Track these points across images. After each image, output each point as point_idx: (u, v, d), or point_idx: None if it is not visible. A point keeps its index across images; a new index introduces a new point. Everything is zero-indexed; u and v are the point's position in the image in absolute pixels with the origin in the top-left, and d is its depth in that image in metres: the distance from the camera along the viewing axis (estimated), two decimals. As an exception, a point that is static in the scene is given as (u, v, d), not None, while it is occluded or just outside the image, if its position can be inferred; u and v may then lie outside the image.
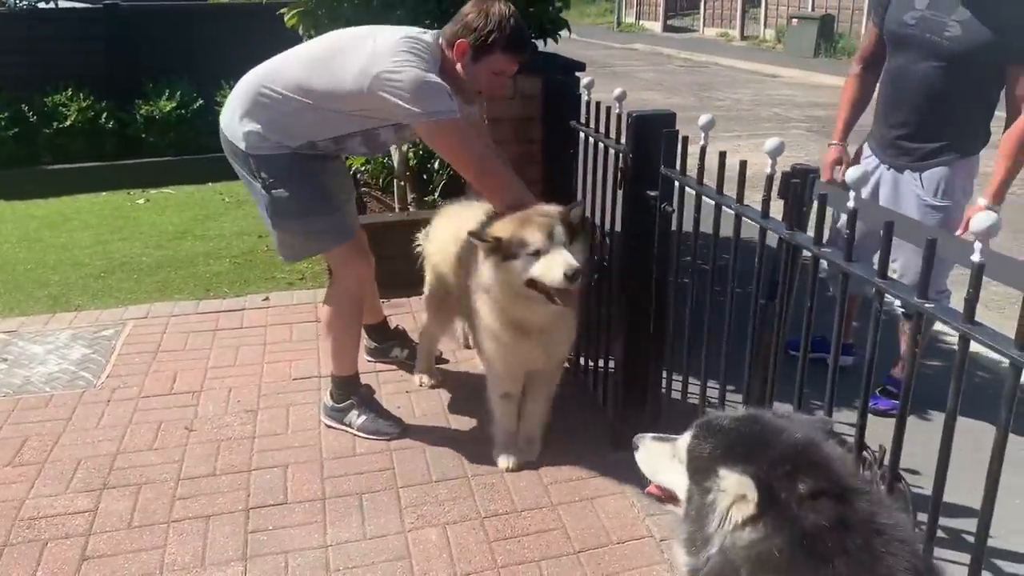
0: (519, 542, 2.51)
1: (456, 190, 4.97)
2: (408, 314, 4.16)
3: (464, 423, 3.17)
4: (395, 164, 4.70)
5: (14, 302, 4.44)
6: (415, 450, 2.98)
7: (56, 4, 7.80)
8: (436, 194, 5.02)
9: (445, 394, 3.38)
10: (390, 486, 2.78)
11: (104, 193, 6.64)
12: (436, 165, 5.08)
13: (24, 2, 7.50)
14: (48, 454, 2.97)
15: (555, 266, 2.47)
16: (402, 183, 4.67)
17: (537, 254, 2.50)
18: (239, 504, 2.69)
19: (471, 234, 2.65)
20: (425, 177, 5.15)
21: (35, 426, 3.15)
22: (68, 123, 6.85)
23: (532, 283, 2.53)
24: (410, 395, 3.37)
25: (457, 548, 2.48)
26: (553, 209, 2.62)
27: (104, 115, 6.99)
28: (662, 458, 1.56)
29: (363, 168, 5.37)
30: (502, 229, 2.58)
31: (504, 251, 2.54)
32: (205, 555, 2.46)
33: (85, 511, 2.65)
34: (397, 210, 4.80)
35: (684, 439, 1.50)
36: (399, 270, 4.35)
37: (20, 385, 3.46)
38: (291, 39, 4.37)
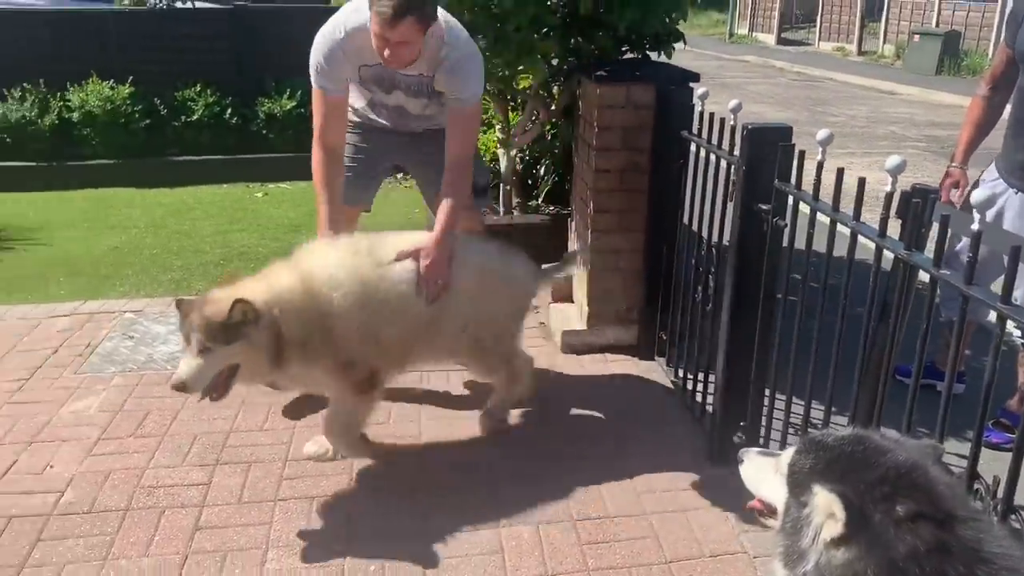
0: (610, 547, 2.53)
1: (560, 196, 5.03)
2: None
3: (559, 427, 3.20)
4: (502, 169, 4.78)
5: (141, 284, 4.72)
6: (512, 448, 3.04)
7: (193, 5, 8.21)
8: (539, 199, 5.08)
9: (541, 398, 3.42)
10: (486, 482, 2.84)
11: (225, 185, 6.98)
12: (542, 171, 5.15)
13: (163, 2, 7.93)
14: (167, 428, 3.15)
15: (180, 370, 2.44)
16: (508, 187, 4.74)
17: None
18: (342, 488, 2.79)
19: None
20: (530, 182, 5.22)
21: (156, 401, 3.34)
22: (195, 118, 7.21)
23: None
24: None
25: (549, 547, 2.52)
26: (219, 301, 2.45)
27: (228, 111, 7.33)
28: (765, 472, 1.57)
29: (471, 171, 5.47)
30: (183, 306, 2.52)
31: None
32: (309, 537, 2.57)
33: (199, 484, 2.81)
34: (501, 214, 4.88)
35: (787, 454, 1.50)
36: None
37: (144, 362, 3.68)
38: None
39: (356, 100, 3.20)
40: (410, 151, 3.35)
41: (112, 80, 7.15)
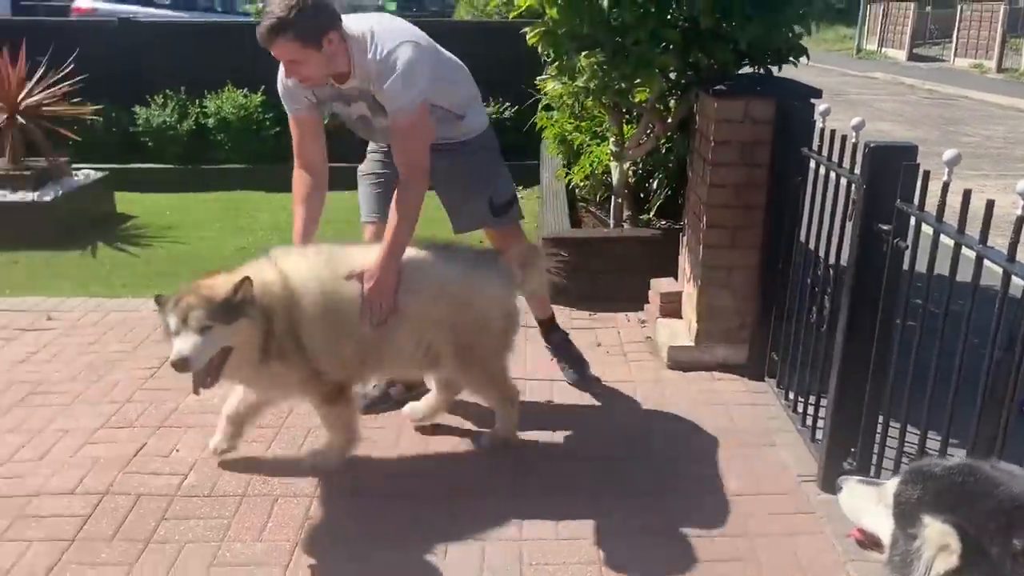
0: (710, 565, 2.50)
1: (672, 211, 5.00)
2: (613, 328, 4.21)
3: (662, 443, 3.18)
4: (614, 181, 4.78)
5: (264, 282, 4.96)
6: (615, 462, 3.04)
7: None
8: (651, 213, 5.06)
9: (645, 413, 3.40)
10: (587, 491, 2.85)
11: (347, 192, 7.21)
12: (655, 185, 5.13)
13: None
14: (284, 420, 3.30)
15: (178, 347, 2.45)
16: (619, 200, 4.74)
17: (175, 333, 2.49)
18: (443, 488, 2.86)
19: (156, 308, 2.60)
20: (642, 196, 5.20)
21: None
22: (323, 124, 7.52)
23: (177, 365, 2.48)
24: (610, 406, 3.43)
25: (646, 560, 2.51)
26: (214, 284, 2.54)
27: (351, 120, 7.61)
28: (866, 502, 1.52)
29: (582, 183, 5.50)
30: (164, 303, 2.55)
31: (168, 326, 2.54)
32: (410, 530, 2.64)
33: (311, 476, 2.93)
34: (612, 226, 4.88)
35: (892, 483, 1.45)
36: (608, 284, 4.46)
37: (264, 356, 3.87)
38: (531, 56, 4.60)
39: None
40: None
41: (246, 89, 7.54)
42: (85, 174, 6.45)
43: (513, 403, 3.08)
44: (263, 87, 7.51)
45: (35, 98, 6.09)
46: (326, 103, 3.09)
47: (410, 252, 2.86)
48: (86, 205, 6.17)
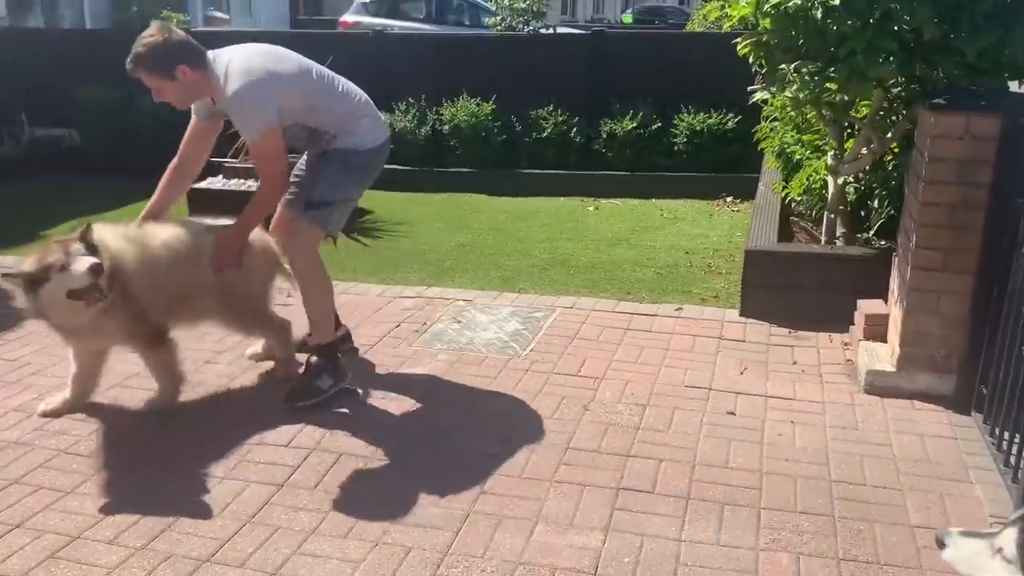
0: (874, 594, 2.41)
1: (895, 231, 4.73)
2: (812, 348, 4.08)
3: (847, 466, 3.06)
4: (828, 196, 4.63)
5: (475, 278, 5.28)
6: (786, 478, 2.98)
7: (555, 30, 8.92)
8: (870, 232, 4.82)
9: (831, 435, 3.29)
10: (753, 504, 2.83)
11: (562, 198, 7.50)
12: (875, 203, 4.88)
13: (530, 28, 8.73)
14: (474, 403, 3.55)
15: (81, 267, 3.00)
16: (832, 216, 4.58)
17: (64, 268, 3.01)
18: (611, 482, 2.95)
19: (4, 277, 3.07)
20: (863, 214, 4.98)
21: (469, 378, 3.77)
22: (545, 135, 7.84)
23: (74, 295, 3.04)
24: (794, 424, 3.35)
25: (805, 578, 2.46)
26: (69, 235, 3.16)
27: (574, 130, 7.86)
28: (981, 556, 1.43)
29: (799, 198, 5.35)
30: (27, 264, 3.08)
31: (37, 279, 3.02)
32: (575, 517, 2.76)
33: (490, 454, 3.13)
34: (823, 243, 4.72)
35: (1008, 534, 1.36)
36: (813, 302, 4.32)
37: (465, 344, 4.15)
38: (741, 67, 4.56)
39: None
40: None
41: (478, 97, 8.01)
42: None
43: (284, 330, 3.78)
44: (494, 96, 7.96)
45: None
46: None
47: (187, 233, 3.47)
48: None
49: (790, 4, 3.57)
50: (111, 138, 8.75)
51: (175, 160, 3.65)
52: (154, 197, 3.63)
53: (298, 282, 3.65)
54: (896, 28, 3.63)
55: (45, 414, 3.44)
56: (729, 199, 7.29)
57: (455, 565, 2.54)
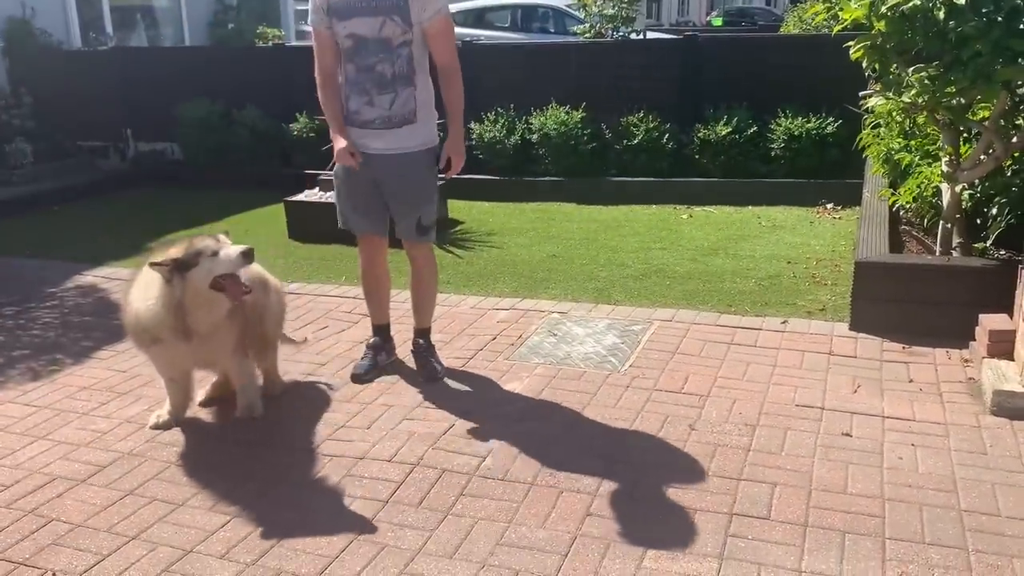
0: (1017, 637, 2.24)
1: (1015, 241, 4.46)
2: (929, 365, 3.86)
3: (981, 496, 2.88)
4: (944, 204, 4.39)
5: (569, 289, 5.21)
6: (911, 505, 2.81)
7: (644, 35, 8.79)
8: (988, 242, 4.56)
9: (957, 459, 3.10)
10: (877, 533, 2.67)
11: (654, 206, 7.36)
12: (994, 211, 4.61)
13: (619, 33, 8.62)
14: (573, 420, 3.48)
15: (233, 252, 3.17)
16: (948, 225, 4.34)
17: (215, 253, 3.16)
18: (724, 507, 2.84)
19: (152, 266, 3.16)
20: (979, 223, 4.71)
21: (568, 394, 3.71)
22: (635, 142, 7.72)
23: (217, 285, 3.17)
24: (915, 447, 3.17)
25: (939, 618, 2.31)
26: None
27: (666, 136, 7.72)
28: None
29: (908, 205, 5.11)
30: (174, 252, 3.17)
31: (185, 264, 3.14)
32: (687, 543, 2.66)
33: (595, 474, 3.06)
34: (938, 253, 4.48)
35: None
36: (928, 316, 4.10)
37: (562, 358, 4.09)
38: (855, 71, 4.39)
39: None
40: (383, 170, 3.67)
41: (568, 106, 7.95)
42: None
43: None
44: (583, 104, 7.88)
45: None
46: (332, 17, 3.54)
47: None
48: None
49: (908, 5, 3.40)
50: (210, 151, 9.02)
51: (318, 76, 3.66)
52: (332, 118, 3.66)
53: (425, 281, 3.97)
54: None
55: (156, 427, 3.53)
56: (830, 206, 7.04)
57: (565, 591, 2.48)
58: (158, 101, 9.29)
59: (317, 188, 6.86)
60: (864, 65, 3.85)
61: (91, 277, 5.80)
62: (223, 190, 8.40)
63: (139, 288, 3.31)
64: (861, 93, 4.50)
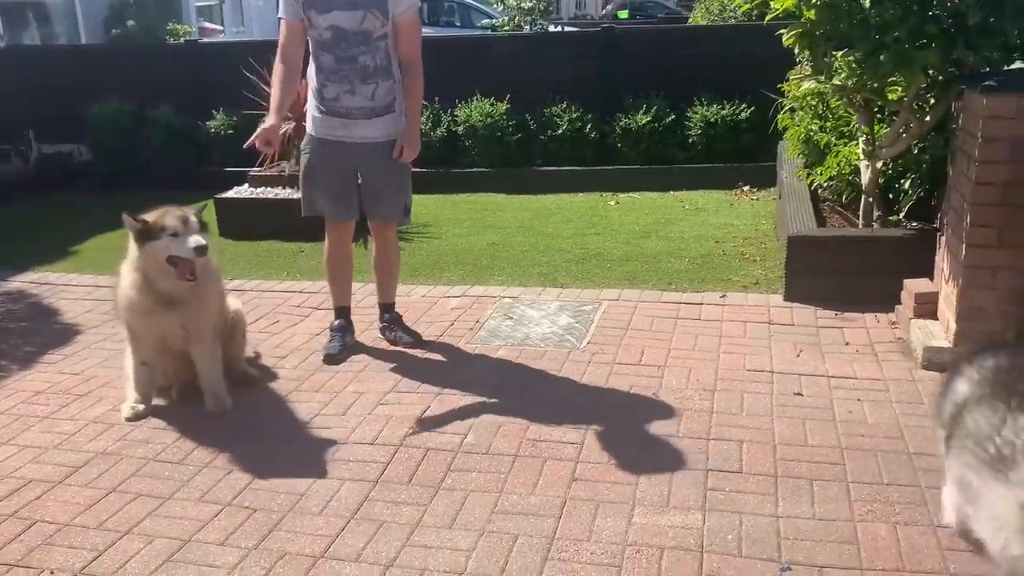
0: (973, 556, 2.50)
1: (923, 212, 4.85)
2: (861, 328, 4.18)
3: (925, 440, 3.16)
4: (864, 181, 4.73)
5: (514, 275, 5.35)
6: (867, 452, 3.07)
7: (563, 28, 9.01)
8: (901, 214, 4.94)
9: (900, 410, 3.39)
10: (840, 479, 2.91)
11: (581, 194, 7.58)
12: (906, 185, 4.99)
13: (538, 26, 8.80)
14: (544, 394, 3.63)
15: (191, 242, 3.28)
16: (869, 200, 4.68)
17: (176, 235, 3.27)
18: (699, 465, 3.04)
19: (125, 216, 3.34)
20: (891, 196, 5.09)
21: (535, 372, 3.85)
22: (559, 132, 7.92)
23: (171, 260, 3.29)
24: (861, 402, 3.45)
25: (907, 546, 2.55)
26: (187, 208, 3.43)
27: (588, 126, 7.94)
28: None
29: (826, 184, 5.46)
30: (150, 215, 3.34)
31: (149, 232, 3.29)
32: (670, 499, 2.84)
33: (574, 442, 3.21)
34: (860, 226, 4.83)
35: None
36: (855, 285, 4.43)
37: (522, 339, 4.23)
38: (751, 58, 4.67)
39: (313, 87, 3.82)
40: (368, 157, 3.87)
41: (492, 98, 8.08)
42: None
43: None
44: (508, 95, 8.02)
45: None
46: (308, 12, 3.66)
47: None
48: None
49: (835, -6, 3.67)
50: (121, 152, 8.75)
51: (279, 64, 3.77)
52: (274, 98, 3.75)
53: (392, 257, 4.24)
54: (935, 14, 3.74)
55: (133, 418, 3.54)
56: (747, 188, 7.40)
57: (565, 549, 2.62)
58: (62, 101, 8.95)
59: (246, 184, 6.78)
60: (796, 51, 4.12)
61: (18, 283, 5.59)
62: (138, 190, 8.07)
63: (126, 264, 3.46)
64: (788, 77, 4.79)
